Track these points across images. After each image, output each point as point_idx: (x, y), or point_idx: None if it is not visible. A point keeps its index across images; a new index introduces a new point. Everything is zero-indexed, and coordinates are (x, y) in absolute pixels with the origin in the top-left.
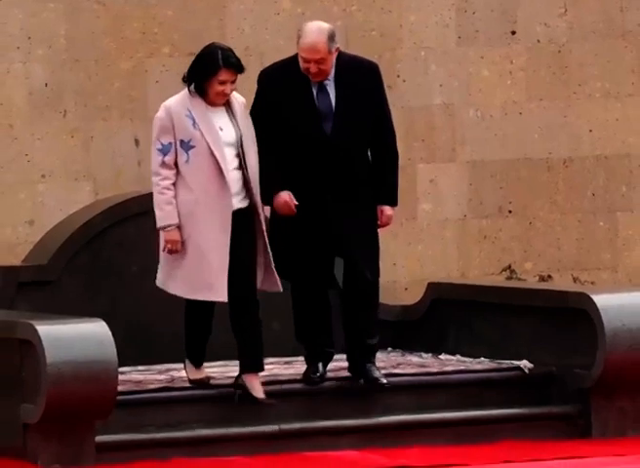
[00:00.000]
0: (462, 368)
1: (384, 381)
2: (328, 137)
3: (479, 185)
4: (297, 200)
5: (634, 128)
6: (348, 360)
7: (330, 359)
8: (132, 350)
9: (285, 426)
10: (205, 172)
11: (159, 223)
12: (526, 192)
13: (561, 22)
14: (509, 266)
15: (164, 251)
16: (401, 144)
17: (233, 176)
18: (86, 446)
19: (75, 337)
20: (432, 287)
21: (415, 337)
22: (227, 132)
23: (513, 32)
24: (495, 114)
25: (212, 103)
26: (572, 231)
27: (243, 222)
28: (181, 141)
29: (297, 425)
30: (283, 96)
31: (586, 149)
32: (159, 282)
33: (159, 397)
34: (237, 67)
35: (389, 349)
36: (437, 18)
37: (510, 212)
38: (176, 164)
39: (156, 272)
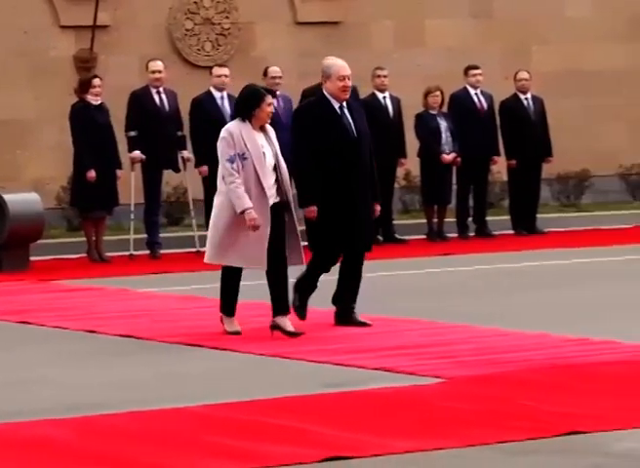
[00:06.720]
0: None
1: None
2: (355, 140)
3: None
4: (330, 184)
5: None
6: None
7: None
8: None
9: None
10: (252, 177)
11: (239, 209)
12: None
13: None
14: None
15: (250, 229)
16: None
17: (270, 181)
18: None
19: None
20: None
21: None
22: (267, 149)
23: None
24: None
25: (258, 126)
26: None
27: (278, 213)
28: (238, 154)
29: None
30: (319, 119)
31: None
32: (210, 259)
33: None
34: (273, 93)
35: None
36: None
37: None
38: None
39: None
